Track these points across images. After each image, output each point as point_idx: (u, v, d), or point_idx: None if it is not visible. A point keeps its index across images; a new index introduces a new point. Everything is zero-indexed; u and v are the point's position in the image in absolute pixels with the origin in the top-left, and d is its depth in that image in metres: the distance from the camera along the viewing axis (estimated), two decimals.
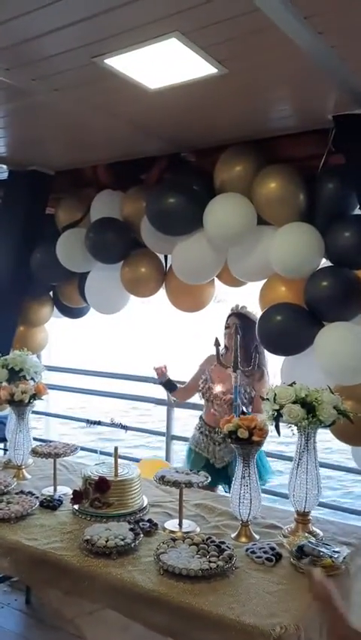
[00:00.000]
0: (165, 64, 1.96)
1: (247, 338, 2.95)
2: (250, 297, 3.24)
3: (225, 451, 3.10)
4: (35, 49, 1.89)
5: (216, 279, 3.26)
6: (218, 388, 3.14)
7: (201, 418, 3.29)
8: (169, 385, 3.44)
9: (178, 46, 1.78)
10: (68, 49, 1.86)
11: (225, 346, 3.20)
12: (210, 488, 2.95)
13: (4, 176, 3.74)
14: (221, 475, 3.11)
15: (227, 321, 3.19)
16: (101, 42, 1.80)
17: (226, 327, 3.18)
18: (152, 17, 1.66)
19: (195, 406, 3.90)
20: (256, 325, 2.83)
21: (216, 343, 2.79)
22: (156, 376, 3.43)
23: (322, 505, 3.34)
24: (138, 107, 2.39)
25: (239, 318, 3.11)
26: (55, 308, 4.11)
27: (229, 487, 3.10)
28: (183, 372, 3.98)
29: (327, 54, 1.82)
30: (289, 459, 2.28)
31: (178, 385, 3.44)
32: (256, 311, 3.13)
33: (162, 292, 3.49)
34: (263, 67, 2.00)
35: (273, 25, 1.63)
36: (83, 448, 3.72)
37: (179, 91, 2.16)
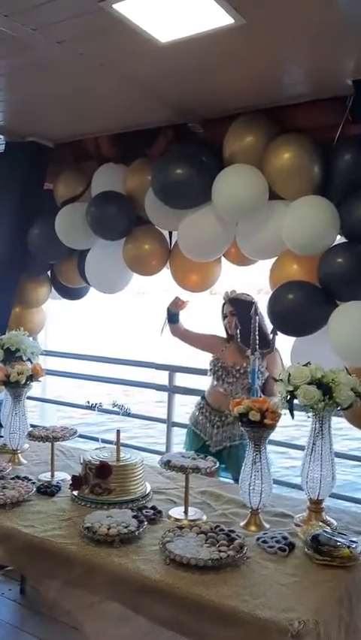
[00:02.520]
0: (178, 12, 1.80)
1: (246, 319, 2.82)
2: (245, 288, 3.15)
3: (222, 435, 3.01)
4: None
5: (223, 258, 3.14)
6: (229, 362, 3.06)
7: (203, 397, 3.19)
8: (173, 316, 3.26)
9: None
10: None
11: (228, 334, 3.09)
12: (209, 473, 2.86)
13: (1, 148, 3.58)
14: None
15: (223, 310, 3.11)
16: None
17: (224, 317, 3.10)
18: None
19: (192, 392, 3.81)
20: (267, 304, 2.70)
21: (235, 328, 2.73)
22: (174, 304, 3.26)
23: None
24: (146, 64, 2.23)
25: (233, 305, 3.02)
26: (53, 289, 3.98)
27: (229, 474, 3.04)
28: (181, 359, 3.87)
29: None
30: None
31: (181, 322, 3.29)
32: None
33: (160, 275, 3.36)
34: (284, 17, 1.84)
35: None
36: (82, 435, 3.61)
37: (191, 45, 2.01)
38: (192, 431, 3.18)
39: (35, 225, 3.54)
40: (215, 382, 3.10)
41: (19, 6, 1.83)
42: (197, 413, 3.16)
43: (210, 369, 3.13)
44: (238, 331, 2.71)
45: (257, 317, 2.42)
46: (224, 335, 3.19)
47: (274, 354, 2.95)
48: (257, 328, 2.39)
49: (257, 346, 2.42)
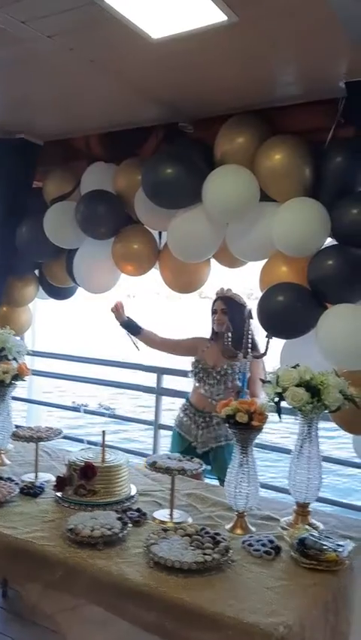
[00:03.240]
0: (171, 8, 1.78)
1: (237, 320, 2.86)
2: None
3: (207, 436, 2.99)
4: None
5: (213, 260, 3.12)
6: (210, 364, 3.03)
7: (187, 399, 3.16)
8: (130, 327, 3.19)
9: None
10: None
11: (214, 332, 3.07)
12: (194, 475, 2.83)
13: None
14: (203, 461, 2.98)
15: (213, 305, 3.07)
16: None
17: (214, 313, 3.05)
18: None
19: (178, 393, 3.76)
20: (257, 305, 2.68)
21: (227, 329, 2.70)
22: (116, 312, 3.20)
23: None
24: (137, 61, 2.21)
25: (224, 302, 3.00)
26: (40, 288, 3.93)
27: (215, 475, 3.01)
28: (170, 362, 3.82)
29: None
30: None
31: (143, 328, 3.21)
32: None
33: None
34: (277, 16, 1.83)
35: None
36: (68, 437, 3.56)
37: (183, 43, 1.99)
38: (177, 433, 3.16)
39: (23, 224, 3.50)
40: (196, 384, 3.09)
41: None
42: (182, 415, 3.14)
43: (191, 371, 3.11)
44: (230, 334, 2.68)
45: (250, 320, 2.41)
46: (203, 335, 3.16)
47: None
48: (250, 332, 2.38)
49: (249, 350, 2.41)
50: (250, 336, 2.43)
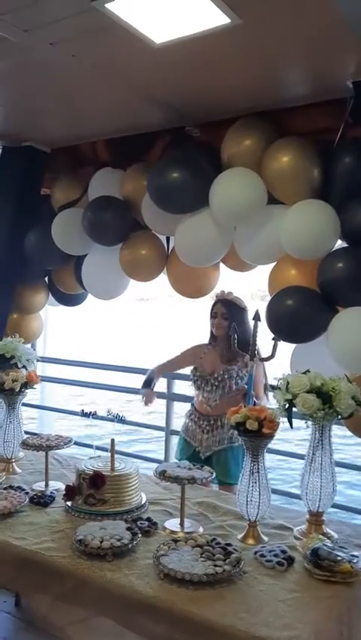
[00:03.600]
0: (173, 12, 1.76)
1: (237, 324, 2.83)
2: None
3: (212, 440, 2.97)
4: None
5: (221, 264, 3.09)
6: (208, 370, 3.01)
7: (192, 404, 3.16)
8: (147, 384, 3.29)
9: None
10: None
11: (213, 336, 3.04)
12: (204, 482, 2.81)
13: None
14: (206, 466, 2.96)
15: (213, 309, 3.03)
16: None
17: (213, 317, 3.02)
18: None
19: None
20: (266, 309, 2.64)
21: (233, 331, 2.69)
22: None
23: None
24: (141, 66, 2.19)
25: (225, 306, 2.96)
26: (50, 295, 3.93)
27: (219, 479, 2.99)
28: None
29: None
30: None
31: (155, 377, 3.30)
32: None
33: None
34: (281, 17, 1.80)
35: None
36: (78, 443, 3.55)
37: (186, 47, 1.97)
38: (183, 439, 3.15)
39: (32, 231, 3.51)
40: (196, 391, 3.08)
41: (9, 6, 1.79)
42: (187, 420, 3.14)
43: (190, 379, 3.10)
44: (236, 335, 2.66)
45: (259, 322, 2.38)
46: (199, 342, 3.14)
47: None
48: (256, 335, 2.35)
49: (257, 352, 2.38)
50: (257, 339, 2.40)
